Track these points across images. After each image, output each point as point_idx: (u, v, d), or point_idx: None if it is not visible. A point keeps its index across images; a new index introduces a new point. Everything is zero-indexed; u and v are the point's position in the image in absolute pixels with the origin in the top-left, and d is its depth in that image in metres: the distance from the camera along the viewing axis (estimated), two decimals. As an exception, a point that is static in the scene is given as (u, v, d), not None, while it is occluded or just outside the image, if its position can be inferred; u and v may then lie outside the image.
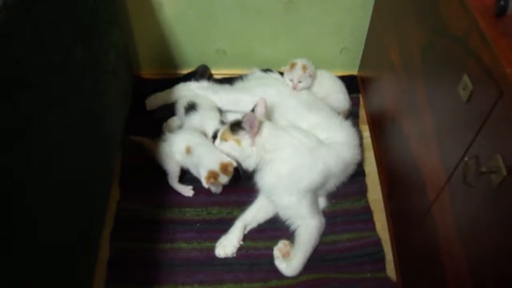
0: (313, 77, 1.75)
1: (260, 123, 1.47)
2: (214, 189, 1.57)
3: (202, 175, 1.50)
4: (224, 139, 1.51)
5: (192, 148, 1.55)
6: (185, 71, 2.00)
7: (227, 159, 1.50)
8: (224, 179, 1.51)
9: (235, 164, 1.51)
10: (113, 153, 1.66)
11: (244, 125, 1.46)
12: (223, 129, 1.53)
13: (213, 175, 1.48)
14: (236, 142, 1.49)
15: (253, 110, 1.51)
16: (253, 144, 1.48)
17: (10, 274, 0.92)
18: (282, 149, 1.48)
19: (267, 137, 1.48)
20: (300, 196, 1.47)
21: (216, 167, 1.49)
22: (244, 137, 1.48)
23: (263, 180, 1.50)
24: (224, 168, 1.49)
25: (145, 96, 1.85)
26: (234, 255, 1.47)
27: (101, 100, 1.50)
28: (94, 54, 1.42)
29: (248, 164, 1.51)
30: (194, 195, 1.61)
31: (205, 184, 1.49)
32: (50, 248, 1.11)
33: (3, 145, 0.89)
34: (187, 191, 1.62)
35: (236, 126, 1.50)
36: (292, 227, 1.50)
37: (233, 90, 1.80)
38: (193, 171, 1.59)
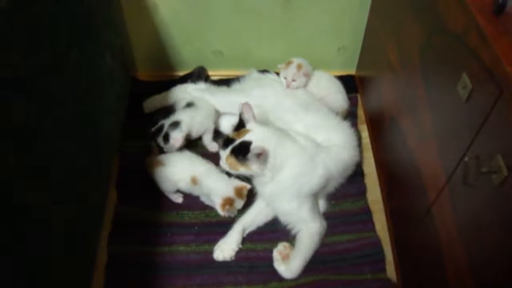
0: (307, 76, 1.74)
1: (267, 152, 1.35)
2: (229, 214, 1.51)
3: (216, 203, 1.47)
4: (234, 168, 1.39)
5: (198, 179, 1.51)
6: (182, 73, 1.99)
7: (240, 183, 1.46)
8: (240, 203, 1.48)
9: (249, 186, 1.47)
10: (110, 156, 1.65)
11: (253, 156, 1.34)
12: (225, 154, 1.38)
13: (229, 202, 1.45)
14: (247, 168, 1.38)
15: (241, 119, 1.42)
16: (264, 167, 1.38)
17: (7, 277, 0.92)
18: (286, 160, 1.41)
19: (275, 152, 1.38)
20: (300, 201, 1.45)
21: (230, 193, 1.45)
22: (253, 164, 1.37)
23: (264, 188, 1.47)
24: (238, 192, 1.46)
25: (142, 98, 1.84)
26: (233, 258, 1.46)
27: (98, 102, 1.49)
28: (89, 56, 1.41)
29: (263, 179, 1.43)
30: (192, 197, 1.60)
31: (221, 212, 1.46)
32: (48, 251, 1.10)
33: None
34: (176, 198, 1.60)
35: (238, 151, 1.36)
36: (293, 232, 1.49)
37: (230, 92, 1.79)
38: (202, 198, 1.58)
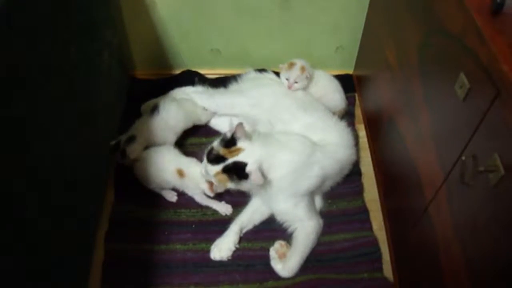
0: (309, 79, 1.74)
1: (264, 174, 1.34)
2: (219, 190, 1.53)
3: (205, 188, 1.51)
4: (222, 183, 1.38)
5: (184, 171, 1.52)
6: (179, 71, 1.99)
7: None
8: None
9: None
10: (108, 154, 1.64)
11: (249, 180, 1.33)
12: (214, 170, 1.35)
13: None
14: (237, 186, 1.38)
15: (233, 136, 1.36)
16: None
17: (7, 276, 0.92)
18: (281, 166, 1.40)
19: (268, 164, 1.37)
20: (297, 200, 1.45)
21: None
22: (246, 184, 1.36)
23: (259, 189, 1.45)
24: None
25: (139, 96, 1.83)
26: (230, 258, 1.46)
27: (95, 101, 1.49)
28: (87, 54, 1.41)
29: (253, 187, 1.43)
30: (190, 196, 1.60)
31: (210, 193, 1.52)
32: (45, 249, 1.10)
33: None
34: (170, 196, 1.60)
35: (232, 171, 1.34)
36: (290, 230, 1.48)
37: (228, 93, 1.78)
38: (189, 192, 1.58)
